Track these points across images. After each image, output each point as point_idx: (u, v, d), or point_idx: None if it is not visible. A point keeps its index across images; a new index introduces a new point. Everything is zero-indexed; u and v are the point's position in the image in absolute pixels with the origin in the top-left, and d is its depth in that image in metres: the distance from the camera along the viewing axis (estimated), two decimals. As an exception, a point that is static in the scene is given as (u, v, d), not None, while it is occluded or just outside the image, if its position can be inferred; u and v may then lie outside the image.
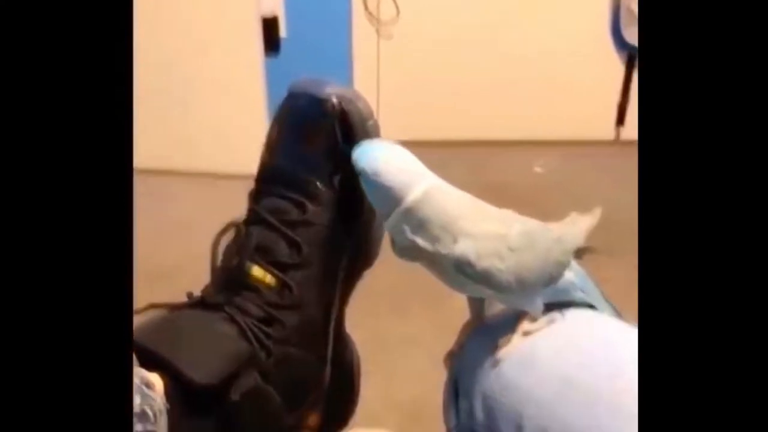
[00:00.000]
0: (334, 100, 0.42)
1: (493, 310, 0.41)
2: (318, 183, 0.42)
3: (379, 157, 0.37)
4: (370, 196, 0.38)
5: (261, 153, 0.45)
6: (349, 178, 0.41)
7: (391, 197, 0.37)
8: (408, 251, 0.37)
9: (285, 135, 0.44)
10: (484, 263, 0.36)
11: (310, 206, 0.42)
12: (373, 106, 0.44)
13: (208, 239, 0.42)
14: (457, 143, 1.55)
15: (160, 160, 1.39)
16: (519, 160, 1.47)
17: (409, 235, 0.36)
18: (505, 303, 0.40)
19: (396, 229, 0.37)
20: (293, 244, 0.42)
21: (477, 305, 0.42)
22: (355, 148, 0.38)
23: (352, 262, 0.44)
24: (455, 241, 0.36)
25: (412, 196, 0.36)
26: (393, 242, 0.38)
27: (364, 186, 0.38)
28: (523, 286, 0.36)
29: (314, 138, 0.43)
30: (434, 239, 0.36)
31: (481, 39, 1.56)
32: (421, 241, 0.36)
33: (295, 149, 0.43)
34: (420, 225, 0.36)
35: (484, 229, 0.36)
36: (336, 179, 0.42)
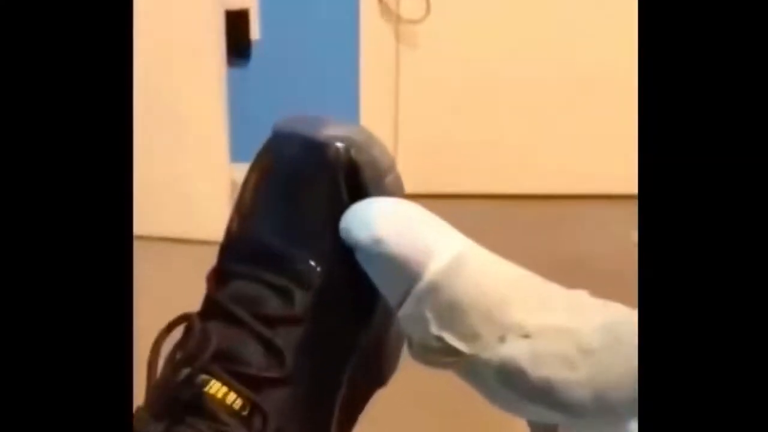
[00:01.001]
0: (339, 145, 0.43)
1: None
2: (312, 262, 0.43)
3: (381, 218, 0.38)
4: (374, 276, 0.39)
5: (229, 216, 0.46)
6: (352, 257, 0.42)
7: (404, 272, 0.37)
8: (431, 353, 0.38)
9: (266, 193, 0.45)
10: (542, 372, 0.36)
11: (298, 295, 0.43)
12: (390, 147, 0.46)
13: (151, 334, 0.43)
14: (503, 197, 1.59)
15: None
16: (595, 220, 1.49)
17: (434, 328, 0.37)
18: (583, 430, 0.40)
19: (413, 319, 0.38)
20: (271, 350, 0.42)
21: None
22: (344, 213, 0.40)
23: (357, 379, 0.45)
24: (502, 338, 0.37)
25: (435, 266, 0.37)
26: (409, 340, 0.39)
27: (363, 264, 0.39)
28: (605, 407, 0.37)
29: (309, 199, 0.44)
30: (471, 334, 0.37)
31: (542, 54, 1.64)
32: (450, 338, 0.37)
33: (281, 214, 0.44)
34: (449, 312, 0.37)
35: (545, 320, 0.37)
36: (339, 258, 0.43)
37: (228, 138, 1.53)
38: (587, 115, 1.71)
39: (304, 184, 0.44)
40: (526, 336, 0.37)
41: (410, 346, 0.39)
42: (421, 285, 0.37)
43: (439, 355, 0.38)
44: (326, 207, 0.43)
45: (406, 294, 0.38)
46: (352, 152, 0.43)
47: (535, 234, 1.35)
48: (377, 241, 0.38)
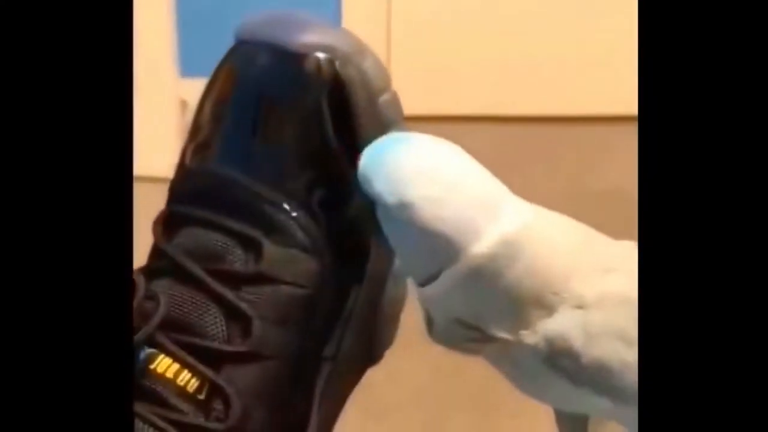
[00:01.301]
0: (320, 56, 0.42)
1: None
2: (286, 205, 0.42)
3: (415, 175, 0.36)
4: (395, 241, 0.37)
5: (181, 146, 0.45)
6: (346, 198, 0.41)
7: (438, 248, 0.36)
8: (459, 340, 0.37)
9: (227, 118, 0.43)
10: (596, 351, 0.36)
11: (268, 248, 0.41)
12: (383, 59, 0.44)
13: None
14: (507, 119, 1.59)
15: None
16: (603, 144, 1.50)
17: (469, 316, 0.36)
18: (629, 424, 0.39)
19: (441, 301, 0.37)
20: (234, 317, 0.41)
21: (574, 427, 0.41)
22: (363, 152, 0.37)
23: (344, 353, 0.44)
24: (550, 312, 0.36)
25: (478, 249, 0.35)
26: (429, 321, 0.38)
27: (384, 226, 0.37)
28: None
29: (282, 125, 0.42)
30: (519, 323, 0.36)
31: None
32: (490, 327, 0.36)
33: (246, 144, 0.43)
34: (493, 302, 0.36)
35: (603, 286, 0.36)
36: (320, 199, 0.42)
37: (175, 46, 1.49)
38: (593, 31, 1.72)
39: (275, 106, 0.43)
40: (580, 306, 0.36)
41: (430, 325, 0.38)
42: (458, 269, 0.36)
43: (470, 341, 0.37)
44: (304, 136, 0.42)
45: (437, 273, 0.36)
46: (338, 65, 0.42)
47: (539, 159, 1.38)
48: (407, 206, 0.36)
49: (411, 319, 0.44)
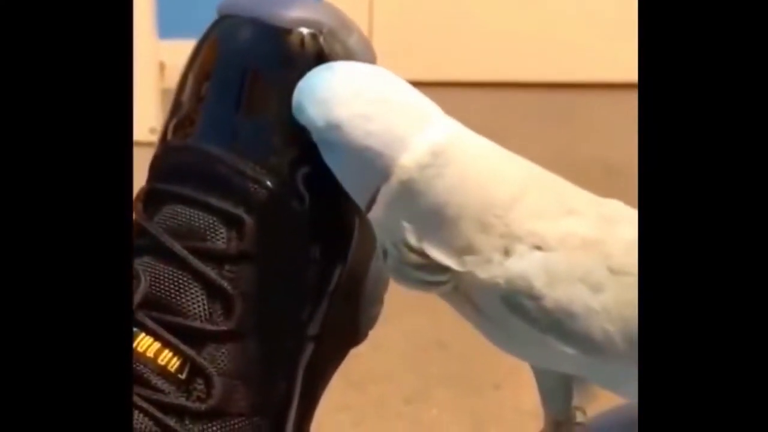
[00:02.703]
0: (305, 32, 0.41)
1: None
2: (269, 182, 0.41)
3: (342, 94, 0.36)
4: (334, 169, 0.38)
5: (161, 119, 0.45)
6: (330, 176, 0.39)
7: (370, 166, 0.36)
8: (411, 270, 0.36)
9: (209, 93, 0.43)
10: (559, 292, 0.35)
11: (251, 224, 0.41)
12: (364, 29, 0.44)
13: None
14: (494, 85, 1.59)
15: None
16: (598, 112, 1.51)
17: (411, 238, 0.36)
18: (609, 385, 0.38)
19: (385, 226, 0.36)
20: (217, 295, 0.41)
21: (555, 390, 0.40)
22: (297, 84, 0.38)
23: (327, 332, 0.43)
24: (506, 250, 0.35)
25: (407, 160, 0.35)
26: (384, 253, 0.37)
27: (323, 154, 0.37)
28: (635, 347, 0.34)
29: (266, 102, 0.42)
30: (462, 246, 0.35)
31: None
32: (434, 251, 0.35)
33: (229, 120, 0.42)
34: (430, 218, 0.35)
35: (566, 227, 0.36)
36: (304, 176, 0.42)
37: (153, 7, 1.48)
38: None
39: (258, 82, 0.42)
40: (539, 247, 0.35)
41: (385, 259, 0.37)
42: (391, 184, 0.35)
43: (421, 272, 0.36)
44: (288, 112, 0.40)
45: (374, 195, 0.36)
46: (322, 40, 0.41)
47: (529, 126, 1.38)
48: (335, 126, 0.36)
49: (393, 290, 0.44)
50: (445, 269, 0.36)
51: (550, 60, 1.70)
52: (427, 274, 0.36)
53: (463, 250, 0.35)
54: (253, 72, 0.42)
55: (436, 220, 0.36)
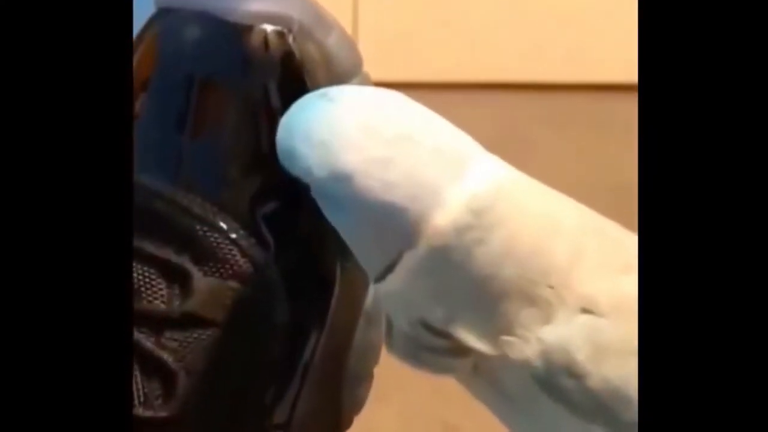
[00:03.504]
0: (269, 29, 0.38)
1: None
2: (222, 222, 0.38)
3: (350, 135, 0.33)
4: (339, 228, 0.35)
5: None
6: (302, 213, 0.38)
7: (390, 227, 0.33)
8: (426, 352, 0.34)
9: (146, 108, 0.40)
10: (609, 370, 0.32)
11: (200, 280, 0.38)
12: (348, 28, 0.43)
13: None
14: (487, 86, 1.60)
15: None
16: (594, 114, 1.55)
17: (436, 318, 0.33)
18: None
19: (401, 300, 0.34)
20: (153, 372, 0.38)
21: None
22: (282, 119, 0.35)
23: (298, 422, 0.40)
24: (546, 315, 0.33)
25: (443, 220, 0.32)
26: (388, 327, 0.35)
27: (326, 213, 0.35)
28: None
29: (218, 117, 0.39)
30: (501, 327, 0.32)
31: None
32: (465, 334, 0.33)
33: (171, 143, 0.39)
34: (465, 294, 0.33)
35: (616, 288, 0.33)
36: (269, 214, 0.39)
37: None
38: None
39: (208, 93, 0.39)
40: (588, 311, 0.32)
41: (389, 336, 0.35)
42: (419, 251, 0.32)
43: (438, 353, 0.34)
44: (247, 132, 0.38)
45: (394, 261, 0.33)
46: (291, 40, 0.38)
47: (545, 132, 1.36)
48: (344, 178, 0.33)
49: (385, 361, 0.40)
50: (471, 351, 0.33)
51: (555, 60, 1.73)
52: (446, 358, 0.34)
53: (503, 330, 0.33)
54: (202, 81, 0.39)
55: (474, 297, 0.33)
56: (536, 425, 0.34)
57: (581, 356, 0.32)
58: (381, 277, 0.34)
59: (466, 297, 0.33)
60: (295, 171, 0.34)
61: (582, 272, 0.33)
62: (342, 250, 0.36)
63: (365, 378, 0.42)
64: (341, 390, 0.41)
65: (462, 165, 0.33)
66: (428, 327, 0.33)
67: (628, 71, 1.29)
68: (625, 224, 0.36)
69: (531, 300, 0.32)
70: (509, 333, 0.33)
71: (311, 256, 0.39)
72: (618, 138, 1.41)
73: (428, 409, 0.82)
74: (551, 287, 0.32)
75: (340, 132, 0.33)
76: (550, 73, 1.74)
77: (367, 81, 0.40)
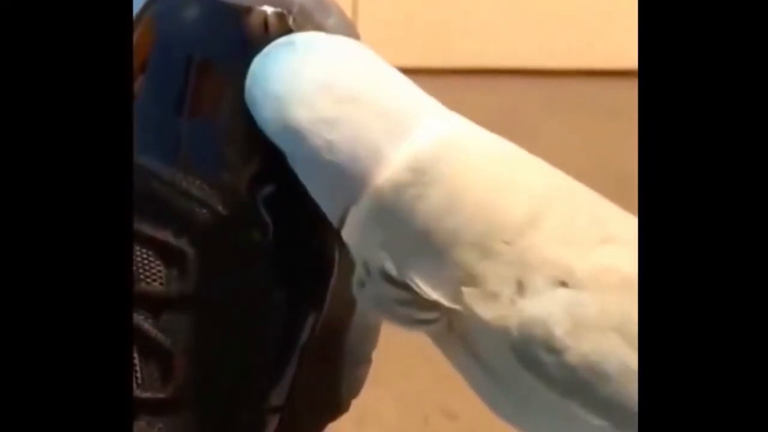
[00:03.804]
0: (269, 11, 0.38)
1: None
2: (220, 205, 0.38)
3: (303, 86, 0.34)
4: (303, 179, 0.35)
5: None
6: (301, 195, 0.37)
7: (339, 178, 0.34)
8: (394, 305, 0.34)
9: (144, 89, 0.39)
10: (588, 345, 0.32)
11: (195, 260, 0.38)
12: (348, 11, 0.43)
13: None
14: (486, 72, 1.59)
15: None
16: (595, 100, 1.54)
17: (392, 267, 0.33)
18: None
19: (362, 248, 0.34)
20: (151, 353, 0.38)
21: None
22: (252, 63, 0.35)
23: (297, 404, 0.40)
24: (520, 284, 0.32)
25: (389, 169, 0.33)
26: (361, 282, 0.35)
27: (287, 157, 0.35)
28: None
29: (217, 98, 0.38)
30: (460, 276, 0.33)
31: None
32: (420, 282, 0.33)
33: (169, 124, 0.39)
34: (415, 242, 0.33)
35: (599, 259, 0.33)
36: (268, 196, 0.38)
37: None
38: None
39: (207, 75, 0.39)
40: (564, 283, 0.32)
41: (360, 290, 0.35)
42: (360, 207, 0.33)
43: (406, 308, 0.33)
44: (246, 113, 0.37)
45: (343, 215, 0.34)
46: (291, 22, 0.38)
47: (550, 118, 1.35)
48: (293, 132, 0.34)
49: (384, 343, 0.41)
50: (436, 305, 0.33)
51: (561, 46, 1.72)
52: (413, 310, 0.34)
53: (460, 281, 0.33)
54: (201, 63, 0.39)
55: (422, 247, 0.33)
56: (510, 396, 0.34)
57: (560, 330, 0.32)
58: (339, 228, 0.34)
59: (414, 247, 0.33)
60: (256, 119, 0.35)
61: (544, 235, 0.33)
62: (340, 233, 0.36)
63: (363, 361, 0.42)
64: (339, 373, 0.41)
65: (407, 125, 0.33)
66: (388, 278, 0.34)
67: (635, 58, 1.31)
68: (630, 212, 0.36)
69: (485, 252, 0.32)
70: (470, 284, 0.33)
71: (310, 238, 0.39)
72: (624, 125, 1.42)
73: (427, 395, 0.82)
74: (506, 243, 0.32)
75: (295, 87, 0.34)
76: (555, 60, 1.74)
77: None
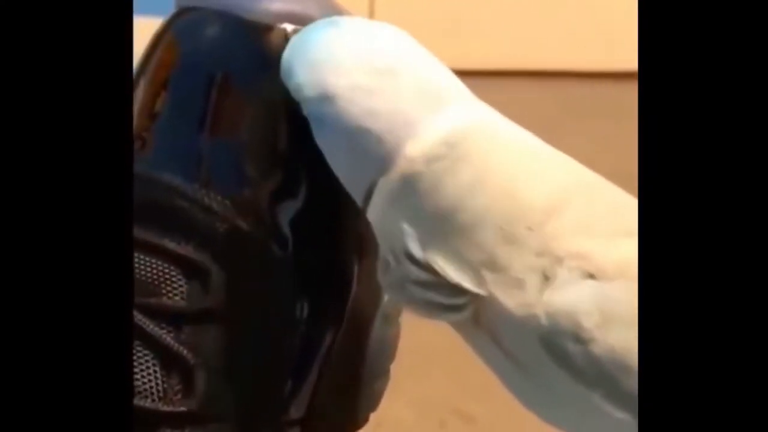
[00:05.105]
0: (289, 28, 0.38)
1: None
2: (241, 220, 0.38)
3: (339, 59, 0.34)
4: (326, 151, 0.35)
5: None
6: (322, 212, 0.38)
7: (368, 152, 0.33)
8: (417, 288, 0.33)
9: (167, 107, 0.39)
10: (615, 338, 0.32)
11: (217, 275, 0.38)
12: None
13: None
14: (500, 73, 1.64)
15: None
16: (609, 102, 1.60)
17: (415, 246, 0.33)
18: None
19: (386, 227, 0.34)
20: (173, 366, 0.38)
21: None
22: (290, 40, 0.36)
23: (315, 417, 0.40)
24: (545, 274, 0.32)
25: (414, 148, 0.33)
26: (386, 265, 0.34)
27: (314, 133, 0.35)
28: None
29: (238, 115, 0.39)
30: (482, 261, 0.32)
31: None
32: (443, 264, 0.33)
33: (191, 140, 0.39)
34: (441, 219, 0.33)
35: (620, 252, 0.33)
36: (289, 213, 0.38)
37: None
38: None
39: (229, 92, 0.39)
40: (592, 275, 0.32)
41: (382, 269, 0.35)
42: (391, 177, 0.33)
43: (429, 291, 0.33)
44: (267, 130, 0.38)
45: (371, 188, 0.34)
46: None
47: (550, 116, 1.41)
48: (329, 98, 0.34)
49: (401, 350, 0.41)
50: (460, 290, 0.33)
51: (580, 48, 1.76)
52: (437, 295, 0.33)
53: (483, 265, 0.33)
54: (222, 81, 0.39)
55: (447, 225, 0.33)
56: (536, 386, 0.34)
57: (589, 323, 0.32)
58: (364, 206, 0.34)
59: (438, 225, 0.33)
60: (290, 87, 0.35)
61: (567, 225, 0.33)
62: (360, 248, 0.37)
63: (382, 375, 0.42)
64: (358, 387, 0.41)
65: (442, 102, 0.33)
66: (411, 258, 0.33)
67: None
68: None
69: (508, 237, 0.32)
70: (493, 269, 0.33)
71: (329, 253, 0.39)
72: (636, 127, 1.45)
73: (443, 399, 0.83)
74: (528, 228, 0.32)
75: (334, 55, 0.34)
76: (575, 62, 1.76)
77: None
